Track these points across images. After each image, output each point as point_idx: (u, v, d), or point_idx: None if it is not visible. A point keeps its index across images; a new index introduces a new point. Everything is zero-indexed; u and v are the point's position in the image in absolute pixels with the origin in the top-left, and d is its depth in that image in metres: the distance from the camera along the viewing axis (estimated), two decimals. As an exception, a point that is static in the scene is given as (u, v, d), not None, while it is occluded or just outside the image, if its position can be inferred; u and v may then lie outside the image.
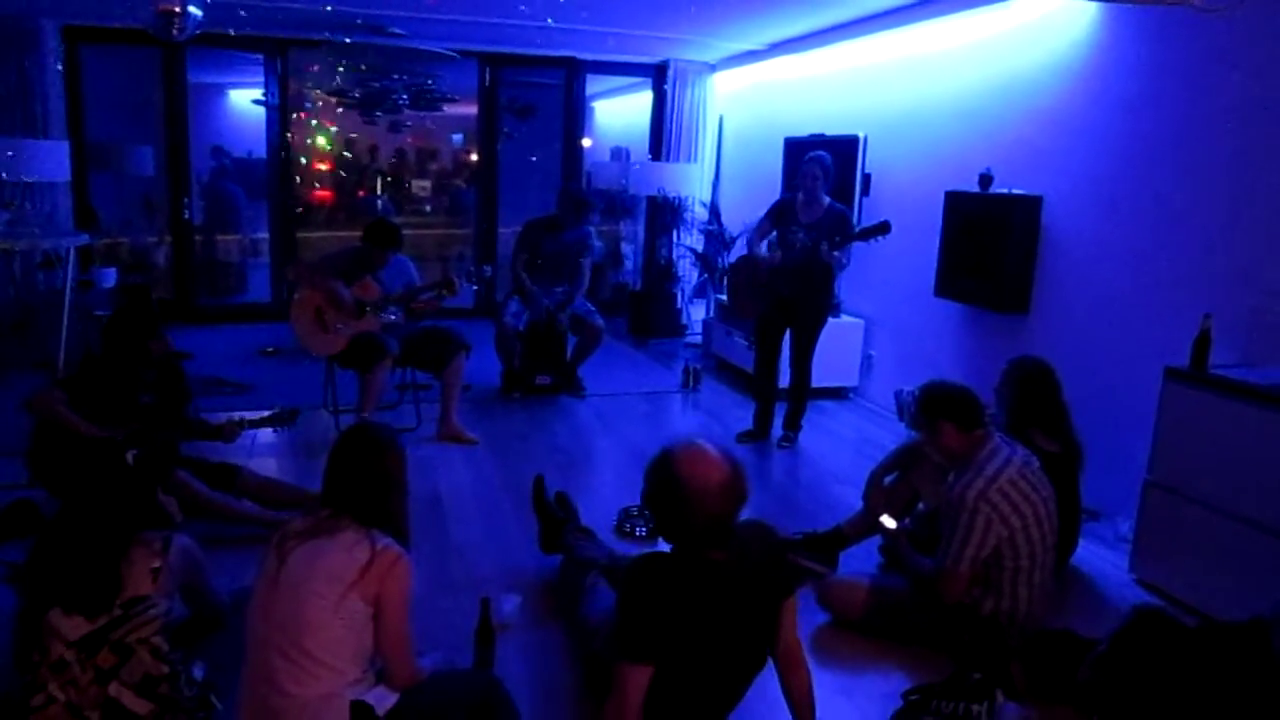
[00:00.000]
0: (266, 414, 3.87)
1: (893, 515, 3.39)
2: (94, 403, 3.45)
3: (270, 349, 6.75)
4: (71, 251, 5.61)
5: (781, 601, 2.21)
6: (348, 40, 7.04)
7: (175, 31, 4.36)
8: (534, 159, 9.02)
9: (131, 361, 3.57)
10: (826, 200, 4.85)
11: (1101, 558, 3.77)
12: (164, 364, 3.73)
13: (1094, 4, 3.81)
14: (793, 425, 5.18)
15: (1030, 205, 4.52)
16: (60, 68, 6.81)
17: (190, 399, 3.92)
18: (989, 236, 4.67)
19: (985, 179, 4.71)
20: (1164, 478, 3.42)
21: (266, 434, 4.88)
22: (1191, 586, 3.32)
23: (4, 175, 5.59)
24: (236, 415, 3.90)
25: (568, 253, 5.91)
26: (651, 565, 2.15)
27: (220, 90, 11.13)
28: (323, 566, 2.10)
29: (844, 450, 5.13)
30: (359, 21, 6.52)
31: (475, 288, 6.38)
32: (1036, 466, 2.96)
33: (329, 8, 6.02)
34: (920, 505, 3.52)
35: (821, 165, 4.81)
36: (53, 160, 5.87)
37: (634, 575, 2.14)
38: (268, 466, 4.40)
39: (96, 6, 6.18)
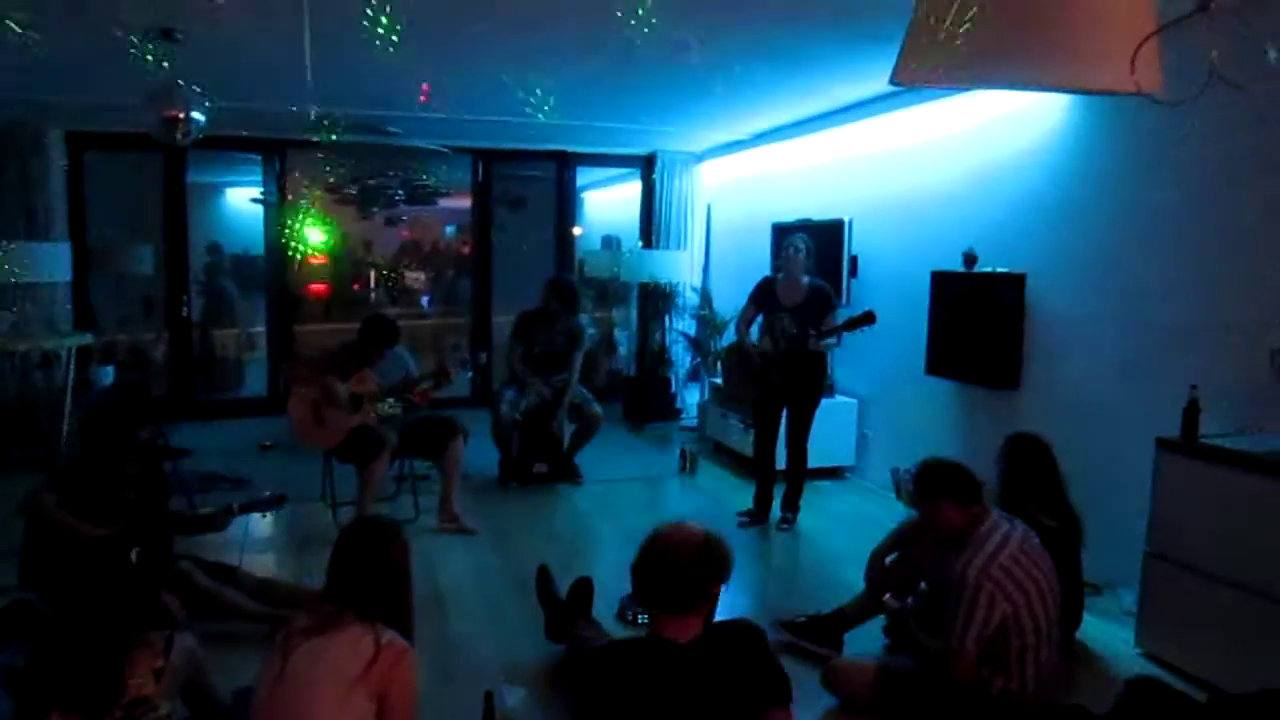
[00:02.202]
0: (253, 500, 3.84)
1: (896, 594, 3.39)
2: (84, 500, 3.42)
3: (268, 444, 6.76)
4: (71, 351, 5.66)
5: (768, 709, 2.17)
6: (346, 140, 7.23)
7: (179, 136, 4.49)
8: (526, 248, 9.19)
9: (114, 455, 3.55)
10: (806, 280, 4.94)
11: (1107, 632, 3.75)
12: (143, 458, 3.70)
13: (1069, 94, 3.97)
14: (791, 506, 5.18)
15: (1014, 283, 4.62)
16: (64, 172, 6.96)
17: (171, 493, 3.88)
18: (976, 314, 4.76)
19: (970, 258, 4.82)
20: (1163, 548, 3.43)
21: (263, 529, 4.87)
22: (1200, 658, 3.30)
23: (9, 277, 5.67)
24: (224, 505, 3.88)
25: (561, 344, 5.98)
26: (616, 648, 2.23)
27: (218, 190, 11.36)
28: (327, 663, 2.09)
29: (843, 530, 5.12)
30: (338, 125, 6.71)
31: (470, 374, 6.42)
32: (1036, 541, 2.98)
33: (314, 112, 6.21)
34: (922, 584, 3.51)
35: (800, 245, 4.92)
36: (55, 262, 5.98)
37: (598, 656, 2.20)
38: (265, 561, 4.38)
39: (102, 114, 6.36)
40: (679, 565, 2.12)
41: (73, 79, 5.24)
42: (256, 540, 4.75)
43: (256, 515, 4.00)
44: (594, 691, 2.12)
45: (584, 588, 3.50)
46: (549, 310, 5.96)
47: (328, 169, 7.88)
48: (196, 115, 4.55)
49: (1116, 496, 3.88)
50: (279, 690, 2.09)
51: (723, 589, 2.21)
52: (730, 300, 7.43)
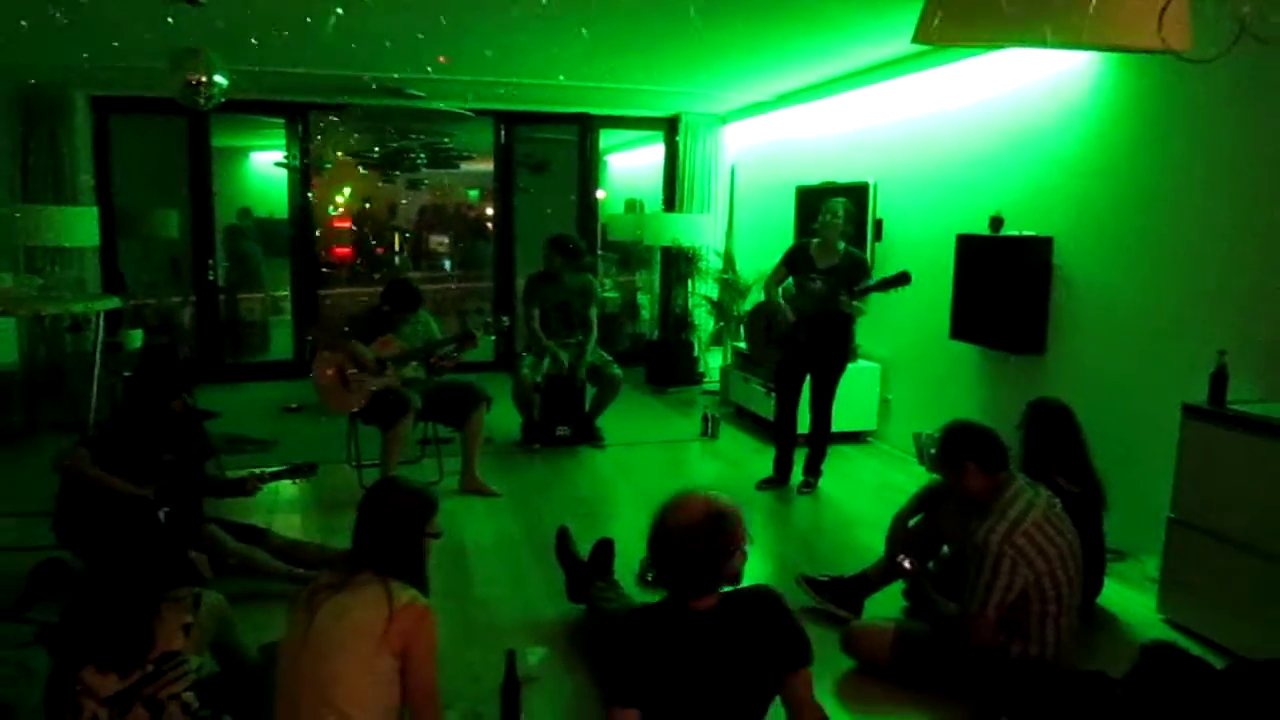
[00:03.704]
0: (284, 468, 3.92)
1: (916, 558, 3.38)
2: (118, 460, 3.50)
3: (294, 406, 6.83)
4: (100, 315, 5.74)
5: (788, 672, 2.19)
6: (369, 104, 7.23)
7: (202, 100, 4.51)
8: (549, 211, 9.18)
9: (154, 419, 3.63)
10: (843, 246, 4.89)
11: (1130, 598, 3.74)
12: (184, 421, 3.78)
13: (1096, 51, 3.88)
14: (813, 471, 5.17)
15: (1041, 246, 4.56)
16: (90, 136, 7.01)
17: (210, 455, 3.97)
18: (1001, 278, 4.70)
19: (996, 221, 4.76)
20: (1188, 515, 3.40)
21: (290, 491, 4.94)
22: (1221, 625, 3.28)
23: (39, 241, 5.74)
24: (257, 471, 3.96)
25: (572, 301, 5.98)
26: (637, 614, 2.23)
27: (242, 153, 11.41)
28: (350, 622, 2.13)
29: (865, 495, 5.12)
30: (374, 87, 6.71)
31: (494, 338, 6.44)
32: (1059, 508, 2.96)
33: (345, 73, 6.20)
34: (945, 548, 3.51)
35: (845, 210, 4.86)
36: (82, 227, 6.03)
37: (620, 623, 2.22)
38: (292, 523, 4.45)
39: (126, 78, 6.39)
40: (686, 550, 2.10)
41: (98, 43, 5.26)
42: (283, 502, 4.82)
43: (285, 480, 4.05)
44: (616, 659, 2.15)
45: (605, 549, 3.53)
46: (552, 269, 5.95)
47: (353, 136, 7.89)
48: (219, 79, 4.56)
49: (1141, 462, 3.86)
50: (304, 648, 2.13)
51: (747, 551, 2.18)
52: (754, 264, 7.40)
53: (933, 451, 3.37)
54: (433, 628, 2.20)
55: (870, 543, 3.99)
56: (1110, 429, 3.90)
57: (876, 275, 4.95)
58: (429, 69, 6.05)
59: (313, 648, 2.12)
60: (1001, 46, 4.21)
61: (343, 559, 2.32)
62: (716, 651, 2.11)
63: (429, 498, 2.38)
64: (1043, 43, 1.47)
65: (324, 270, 9.55)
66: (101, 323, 5.82)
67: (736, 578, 2.19)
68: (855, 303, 4.73)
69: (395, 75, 6.52)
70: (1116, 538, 3.80)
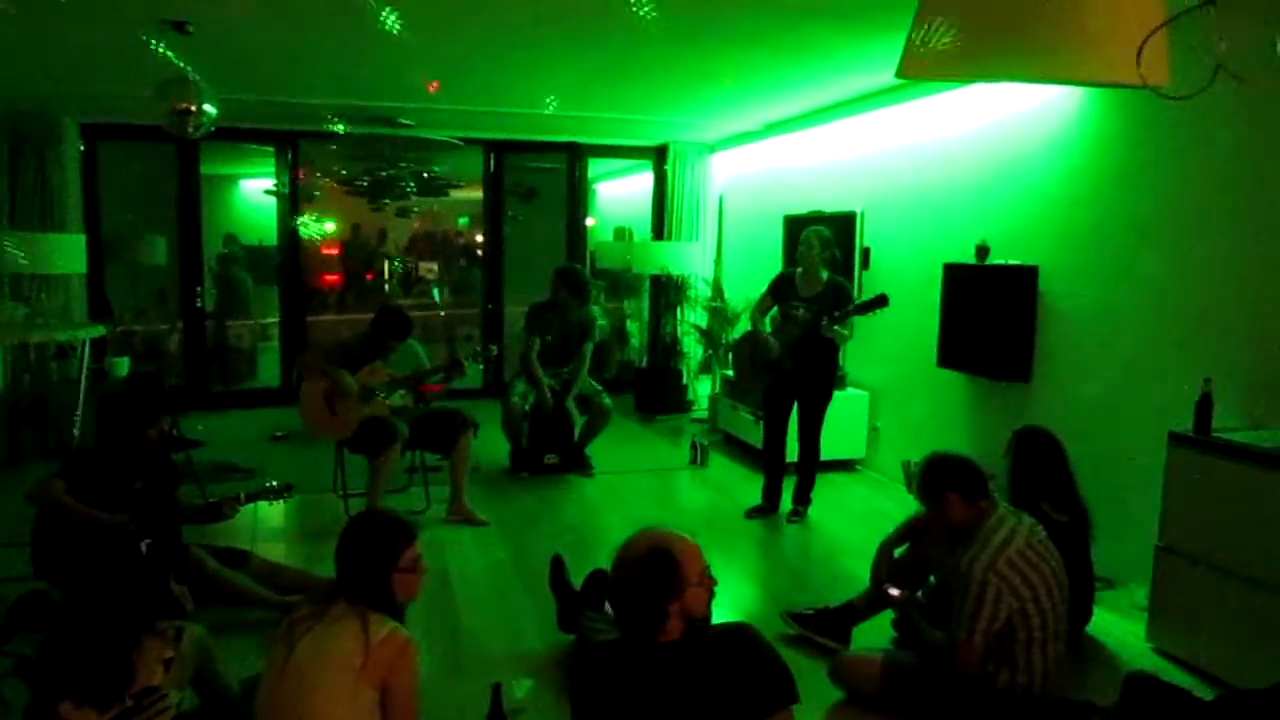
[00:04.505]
0: (261, 488, 3.86)
1: (903, 587, 3.37)
2: (90, 487, 3.45)
3: (280, 434, 6.80)
4: (86, 342, 5.70)
5: (774, 711, 2.11)
6: (359, 132, 7.25)
7: (191, 129, 4.51)
8: (539, 239, 9.21)
9: (127, 445, 3.59)
10: (825, 274, 4.92)
11: (1119, 626, 3.73)
12: (158, 448, 3.73)
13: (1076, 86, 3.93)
14: (802, 499, 5.17)
15: (1026, 275, 4.59)
16: (79, 163, 7.01)
17: (179, 482, 3.91)
18: (988, 307, 4.74)
19: (982, 250, 4.79)
20: (1175, 543, 3.40)
21: (275, 520, 4.90)
22: (1211, 654, 3.28)
23: (26, 265, 5.71)
24: (232, 494, 3.90)
25: (572, 335, 5.99)
26: (600, 648, 2.19)
27: (231, 180, 11.43)
28: (329, 654, 2.11)
29: (853, 523, 5.11)
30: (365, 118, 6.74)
31: (482, 367, 6.43)
32: (1043, 535, 2.96)
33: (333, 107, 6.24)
34: (931, 577, 3.50)
35: (819, 239, 4.89)
36: (70, 253, 6.02)
37: (579, 661, 2.19)
38: (276, 551, 4.40)
39: (115, 104, 6.40)
40: (628, 588, 2.07)
41: (87, 71, 5.27)
42: (268, 530, 4.78)
43: (268, 507, 4.02)
44: (583, 694, 2.11)
45: (598, 580, 3.51)
46: (559, 300, 5.96)
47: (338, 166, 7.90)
48: (208, 108, 4.57)
49: (1128, 490, 3.87)
50: (283, 680, 2.10)
51: (710, 588, 2.13)
52: (742, 292, 7.42)
53: (917, 482, 3.37)
54: (414, 660, 2.17)
55: (859, 571, 3.98)
56: (1098, 456, 3.91)
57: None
58: (415, 104, 6.09)
59: (292, 680, 2.09)
60: (982, 81, 4.26)
61: (324, 589, 2.29)
62: (685, 688, 2.05)
63: (405, 528, 2.36)
64: (1023, 78, 1.49)
65: (313, 297, 9.53)
66: (88, 350, 5.79)
67: (701, 614, 2.14)
68: (838, 328, 4.74)
69: (386, 104, 6.56)
70: (1105, 566, 3.80)
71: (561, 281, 5.96)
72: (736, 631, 2.19)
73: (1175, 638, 3.44)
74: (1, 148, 6.61)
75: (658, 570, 2.06)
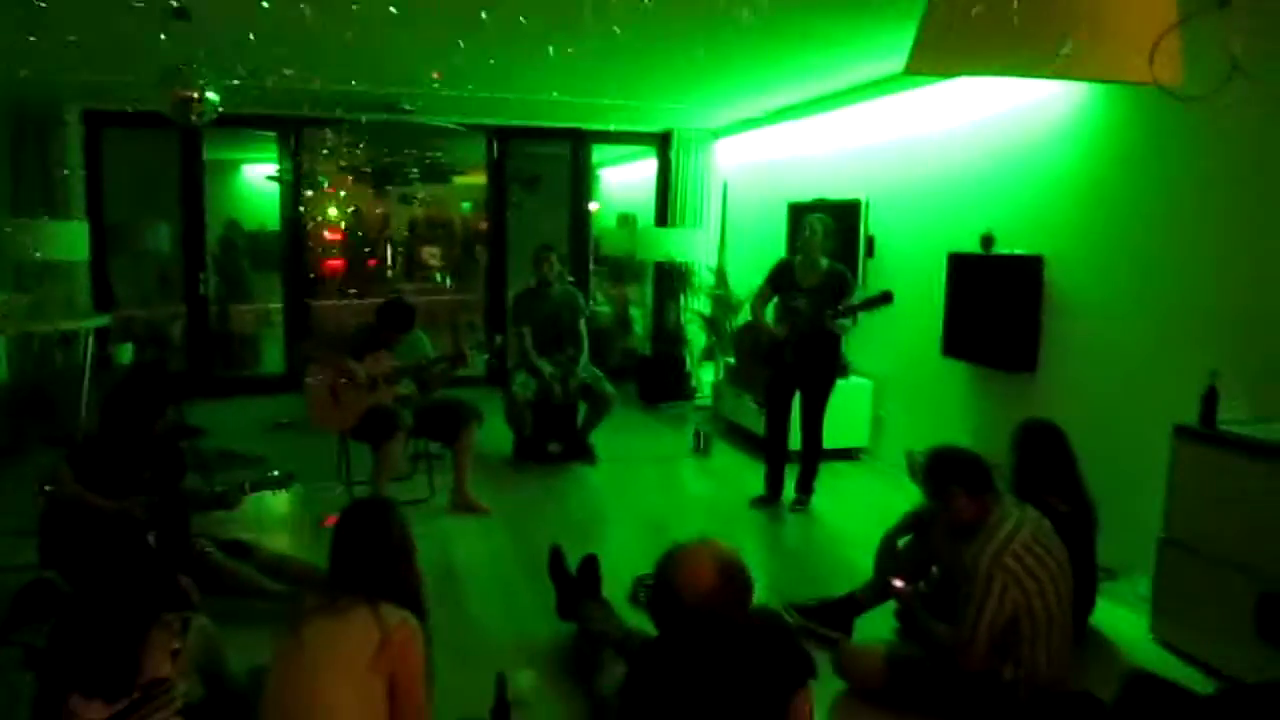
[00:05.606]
0: (265, 478, 3.88)
1: (906, 579, 3.38)
2: (99, 476, 3.46)
3: (284, 421, 6.80)
4: (90, 331, 5.71)
5: (793, 692, 2.17)
6: (362, 119, 7.23)
7: (194, 117, 4.49)
8: (542, 226, 9.19)
9: (135, 435, 3.60)
10: (825, 262, 4.90)
11: (1122, 618, 3.73)
12: (165, 437, 3.74)
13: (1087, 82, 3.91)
14: (805, 488, 5.17)
15: (1032, 265, 4.57)
16: (81, 150, 6.99)
17: (186, 471, 3.93)
18: (993, 297, 4.72)
19: (987, 240, 4.78)
20: (1179, 535, 3.41)
21: (279, 508, 4.91)
22: (1213, 646, 3.28)
23: (33, 253, 5.70)
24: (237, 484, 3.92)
25: (560, 314, 5.97)
26: (651, 650, 2.19)
27: (233, 166, 11.39)
28: (338, 647, 2.11)
29: (857, 513, 5.11)
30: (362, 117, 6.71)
31: (487, 357, 6.42)
32: (1048, 528, 2.96)
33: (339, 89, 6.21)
34: (934, 569, 3.50)
35: (823, 226, 4.87)
36: (73, 240, 6.01)
37: (635, 660, 2.20)
38: (280, 541, 4.42)
39: (118, 91, 6.37)
40: (703, 615, 2.08)
41: (89, 57, 5.25)
42: (273, 520, 4.79)
43: (273, 496, 4.03)
44: (634, 690, 2.14)
45: (590, 566, 3.52)
46: (542, 281, 5.98)
47: (344, 151, 7.88)
48: (211, 95, 4.55)
49: (1133, 481, 3.86)
50: (292, 673, 2.11)
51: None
52: (746, 280, 7.40)
53: (922, 476, 3.37)
54: (422, 647, 2.19)
55: (862, 562, 3.98)
56: (1103, 447, 3.90)
57: (867, 292, 4.96)
58: (418, 91, 6.06)
59: (301, 673, 2.10)
60: (992, 76, 4.24)
61: (327, 581, 2.30)
62: (731, 684, 2.09)
63: (398, 513, 2.39)
64: (1034, 74, 1.47)
65: (314, 283, 9.53)
66: (92, 338, 5.79)
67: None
68: (840, 321, 4.72)
69: (389, 90, 6.53)
70: (1108, 557, 3.80)
71: (534, 257, 6.02)
72: (767, 617, 2.24)
73: (1177, 629, 3.45)
74: (4, 135, 6.59)
75: (732, 588, 2.12)
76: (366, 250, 12.98)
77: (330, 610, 2.17)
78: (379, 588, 2.21)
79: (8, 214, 6.48)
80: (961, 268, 4.94)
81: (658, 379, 8.08)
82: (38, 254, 5.43)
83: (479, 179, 9.15)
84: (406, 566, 2.35)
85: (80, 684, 2.11)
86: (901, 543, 3.52)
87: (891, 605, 3.53)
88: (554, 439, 6.03)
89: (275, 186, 8.19)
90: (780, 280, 5.02)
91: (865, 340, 6.00)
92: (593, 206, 9.39)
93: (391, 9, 3.61)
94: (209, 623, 2.44)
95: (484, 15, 3.91)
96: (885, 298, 4.58)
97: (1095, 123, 4.34)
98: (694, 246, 8.06)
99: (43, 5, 3.53)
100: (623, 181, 11.81)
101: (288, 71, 5.14)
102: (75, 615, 2.25)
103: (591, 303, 9.03)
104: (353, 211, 12.57)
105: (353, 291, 10.55)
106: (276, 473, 3.89)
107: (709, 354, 8.04)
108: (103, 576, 2.33)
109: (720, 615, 2.10)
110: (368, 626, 2.13)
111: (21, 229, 5.92)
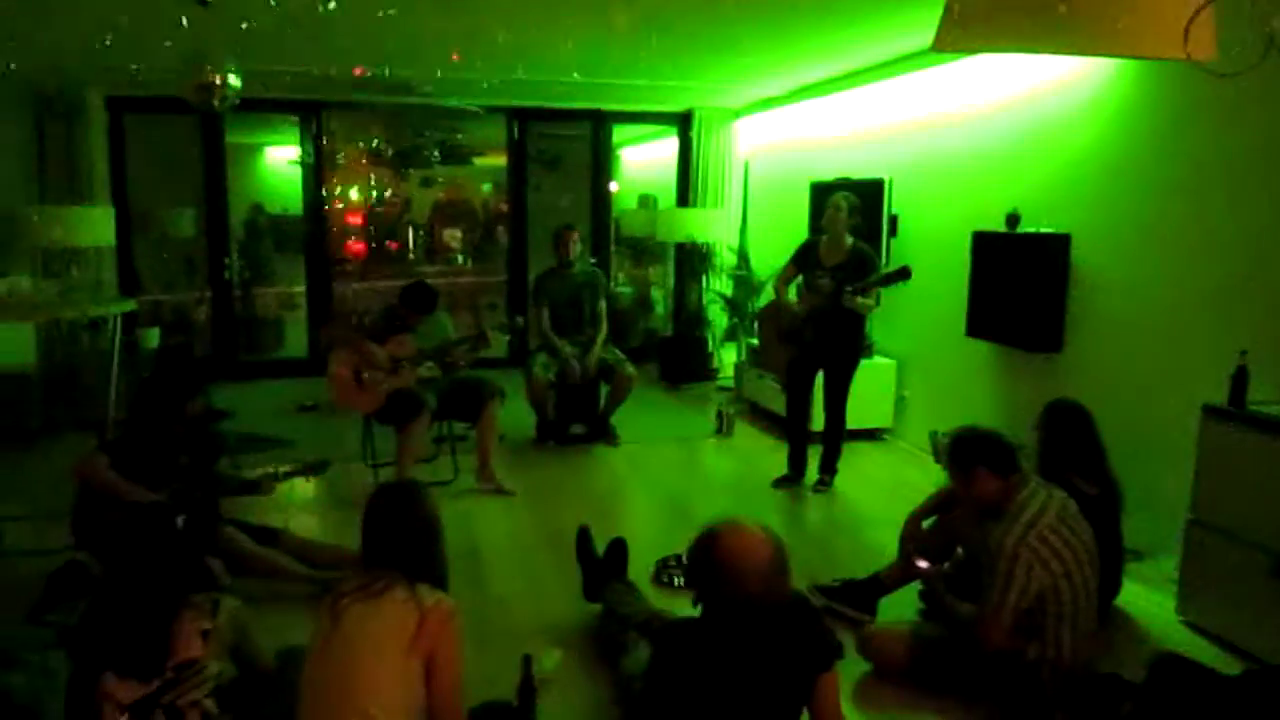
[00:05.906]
0: (297, 466, 3.94)
1: (931, 560, 3.37)
2: (136, 465, 3.51)
3: (309, 404, 6.85)
4: (117, 317, 5.76)
5: (817, 675, 2.19)
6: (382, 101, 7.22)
7: (216, 103, 4.51)
8: (563, 207, 9.18)
9: (170, 422, 3.64)
10: (850, 241, 4.86)
11: (1148, 599, 3.71)
12: (198, 422, 3.79)
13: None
14: (828, 469, 5.15)
15: (1058, 244, 4.52)
16: (105, 136, 7.04)
17: (221, 454, 3.99)
18: (1018, 276, 4.67)
19: (1013, 218, 4.72)
20: (1207, 516, 3.37)
21: (306, 492, 4.96)
22: (1240, 628, 3.26)
23: (56, 242, 5.76)
24: (271, 469, 3.97)
25: (582, 295, 5.97)
26: (677, 631, 2.20)
27: (256, 149, 11.45)
28: (376, 628, 2.13)
29: (880, 493, 5.10)
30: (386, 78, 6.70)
31: (509, 339, 6.44)
32: (1074, 509, 2.94)
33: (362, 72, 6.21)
34: (959, 550, 3.49)
35: (848, 203, 4.83)
36: (99, 226, 6.06)
37: (661, 641, 2.19)
38: (308, 524, 4.47)
39: (140, 77, 6.40)
40: (760, 593, 2.08)
41: (112, 44, 5.27)
42: (299, 502, 4.84)
43: (299, 478, 4.07)
44: (661, 670, 2.15)
45: (619, 549, 3.53)
46: (561, 262, 5.97)
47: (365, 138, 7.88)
48: (233, 81, 4.56)
49: (1160, 462, 3.82)
50: (329, 654, 2.13)
51: None
52: (768, 260, 7.37)
53: (946, 457, 3.35)
54: (459, 627, 2.20)
55: (886, 542, 3.97)
56: (1129, 428, 3.86)
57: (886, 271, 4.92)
58: (438, 72, 6.05)
59: (339, 654, 2.12)
60: (1021, 53, 4.16)
61: (360, 561, 2.32)
62: (759, 666, 2.10)
63: (427, 494, 2.42)
64: (1061, 51, 1.45)
65: (337, 266, 9.58)
66: (119, 322, 5.85)
67: None
68: (861, 299, 4.69)
69: (408, 72, 6.52)
70: (1135, 538, 3.76)
71: (554, 238, 6.01)
72: (797, 600, 2.26)
73: (1205, 611, 3.43)
74: (28, 123, 6.65)
75: (786, 563, 2.14)
76: (388, 233, 13.04)
77: (368, 591, 2.18)
78: (412, 568, 2.23)
79: (35, 201, 6.54)
80: (986, 246, 4.89)
81: (680, 360, 8.08)
82: (58, 240, 5.48)
83: (499, 160, 9.13)
84: (437, 547, 2.37)
85: (114, 664, 2.15)
86: (926, 524, 3.51)
87: (916, 587, 3.53)
88: (576, 420, 6.04)
89: (298, 170, 8.22)
90: (804, 259, 4.99)
91: (888, 320, 5.97)
92: (613, 187, 9.35)
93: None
94: (238, 604, 2.47)
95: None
96: (903, 273, 4.54)
97: (1121, 99, 4.27)
98: (715, 227, 8.03)
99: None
100: (643, 162, 11.76)
101: (306, 59, 5.14)
102: (106, 597, 2.29)
103: (613, 283, 9.02)
104: (374, 194, 12.63)
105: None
106: (311, 459, 3.95)
107: (731, 334, 8.02)
108: (130, 559, 2.37)
109: (774, 592, 2.09)
110: (406, 607, 2.14)
111: (48, 215, 5.97)
